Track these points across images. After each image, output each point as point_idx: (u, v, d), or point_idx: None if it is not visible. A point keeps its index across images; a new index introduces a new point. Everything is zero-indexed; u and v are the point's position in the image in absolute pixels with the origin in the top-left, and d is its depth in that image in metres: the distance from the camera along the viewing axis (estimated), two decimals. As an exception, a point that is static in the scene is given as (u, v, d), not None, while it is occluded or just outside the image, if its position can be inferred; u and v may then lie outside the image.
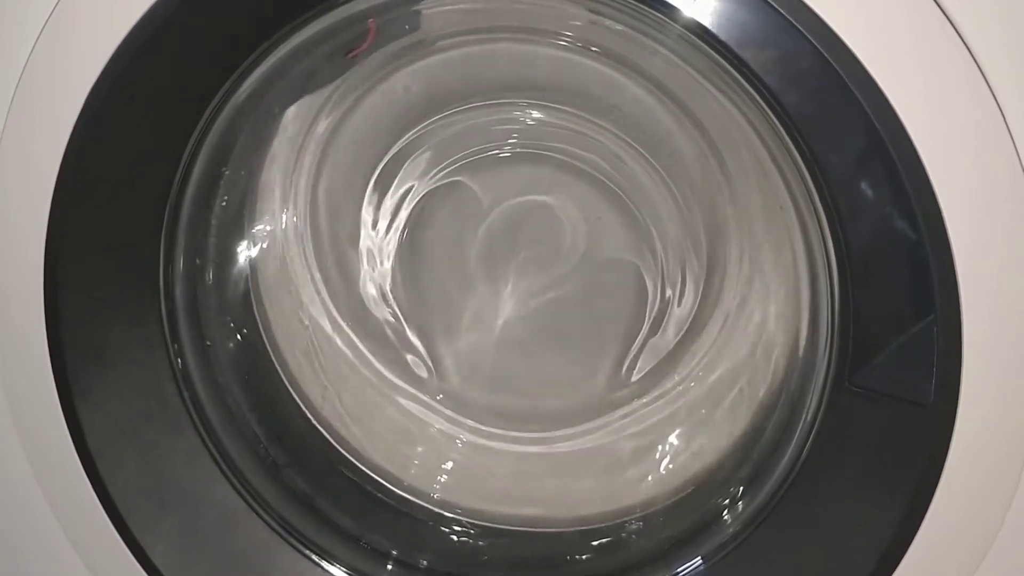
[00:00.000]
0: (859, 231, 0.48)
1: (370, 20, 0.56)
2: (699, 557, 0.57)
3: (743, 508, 0.58)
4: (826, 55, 0.45)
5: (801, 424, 0.54)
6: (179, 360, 0.60)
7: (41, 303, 0.54)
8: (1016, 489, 0.48)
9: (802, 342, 0.57)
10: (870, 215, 0.48)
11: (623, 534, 0.65)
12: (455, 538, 0.68)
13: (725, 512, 0.59)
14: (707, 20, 0.46)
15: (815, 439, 0.53)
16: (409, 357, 0.73)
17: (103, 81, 0.50)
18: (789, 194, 0.53)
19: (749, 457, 0.60)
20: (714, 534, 0.58)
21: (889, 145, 0.46)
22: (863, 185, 0.48)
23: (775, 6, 0.46)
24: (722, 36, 0.47)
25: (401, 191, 0.71)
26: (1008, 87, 0.45)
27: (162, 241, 0.57)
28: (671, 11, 0.47)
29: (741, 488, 0.59)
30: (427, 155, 0.70)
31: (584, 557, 0.65)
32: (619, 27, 0.53)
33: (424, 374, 0.73)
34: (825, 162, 0.48)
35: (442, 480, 0.70)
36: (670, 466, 0.67)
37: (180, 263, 0.59)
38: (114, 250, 0.56)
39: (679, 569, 0.58)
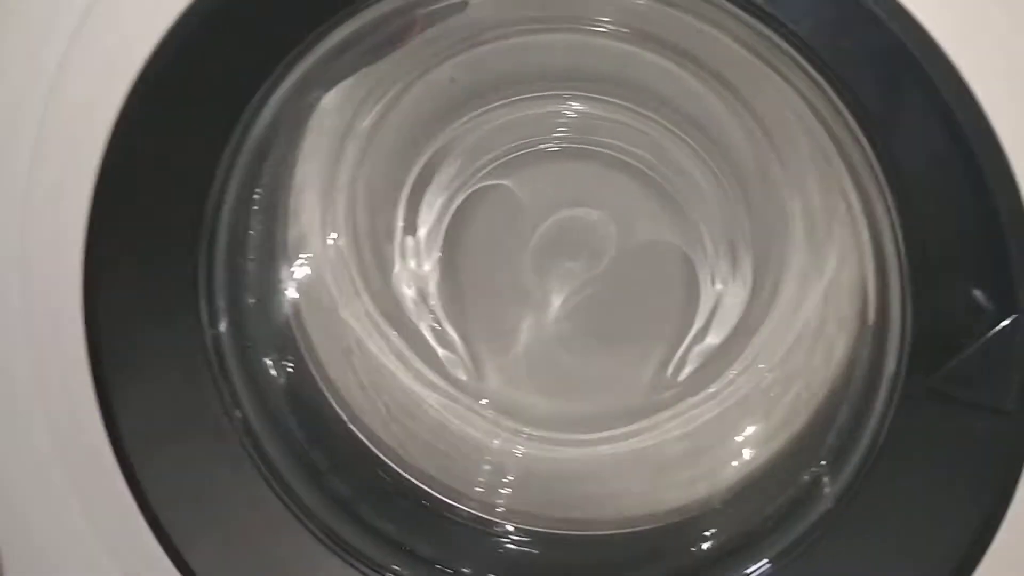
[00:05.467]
0: (935, 229, 0.46)
1: (416, 11, 0.55)
2: (766, 560, 0.55)
3: (808, 512, 0.55)
4: (908, 45, 0.43)
5: (869, 429, 0.52)
6: (220, 366, 0.58)
7: (80, 302, 0.53)
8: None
9: (868, 343, 0.55)
10: (948, 213, 0.46)
11: (677, 538, 0.63)
12: (501, 543, 0.66)
13: (793, 514, 0.56)
14: (777, 9, 0.44)
15: (884, 445, 0.51)
16: (449, 359, 0.71)
17: (140, 83, 0.49)
18: (856, 187, 0.51)
19: (810, 462, 0.58)
20: (776, 538, 0.56)
21: (971, 139, 0.44)
22: (941, 180, 0.45)
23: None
24: (782, 17, 0.45)
25: (442, 188, 0.69)
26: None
27: (203, 241, 0.55)
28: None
29: (804, 493, 0.57)
30: (468, 151, 0.68)
31: (637, 563, 0.64)
32: (682, 15, 0.51)
33: (464, 377, 0.71)
34: (899, 157, 0.46)
35: (485, 484, 0.68)
36: (724, 469, 0.65)
37: (221, 266, 0.58)
38: (153, 254, 0.55)
39: (746, 571, 0.56)
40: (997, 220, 0.45)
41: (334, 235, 0.68)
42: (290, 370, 0.65)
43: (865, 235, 0.52)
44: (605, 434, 0.70)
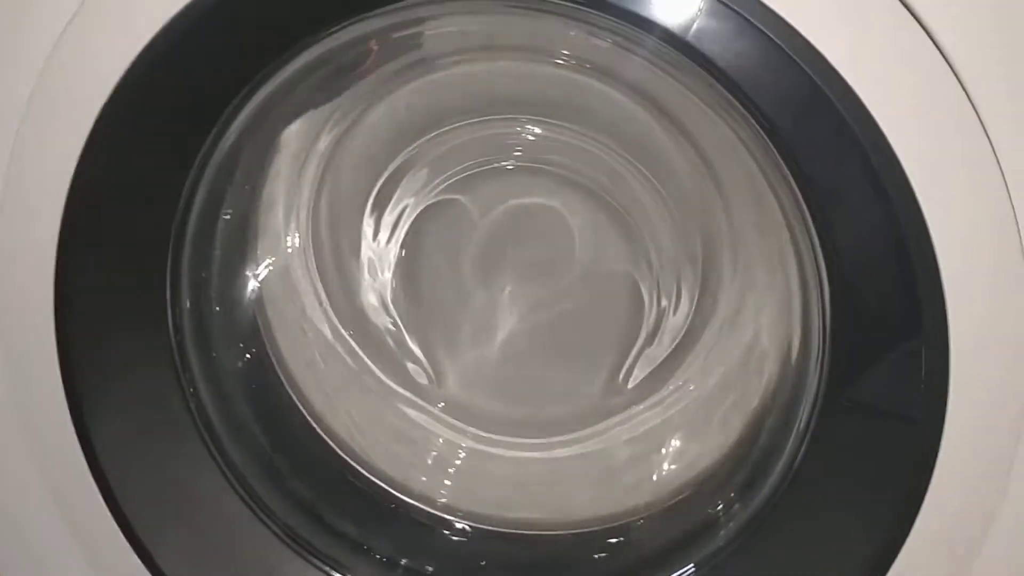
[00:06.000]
0: (850, 251, 0.49)
1: (371, 42, 0.58)
2: (691, 564, 0.59)
3: (736, 516, 0.59)
4: (817, 80, 0.47)
5: (794, 434, 0.56)
6: (185, 372, 0.61)
7: (51, 314, 0.55)
8: (1000, 503, 0.49)
9: (794, 355, 0.58)
10: (861, 236, 0.49)
11: (618, 539, 0.66)
12: (458, 543, 0.69)
13: (718, 519, 0.60)
14: (704, 45, 0.48)
15: (807, 450, 0.54)
16: (410, 365, 0.74)
17: (108, 110, 0.51)
18: (782, 213, 0.54)
19: (742, 465, 0.61)
20: (707, 541, 0.60)
21: (877, 167, 0.47)
22: (854, 207, 0.49)
23: (768, 33, 0.47)
24: (717, 61, 0.48)
25: (402, 203, 0.72)
26: (993, 110, 0.47)
27: (169, 255, 0.58)
28: (665, 33, 0.48)
29: (734, 496, 0.60)
30: (426, 169, 0.71)
31: (581, 562, 0.67)
32: (612, 47, 0.54)
33: (425, 382, 0.74)
34: (817, 184, 0.49)
35: (445, 486, 0.72)
36: (664, 473, 0.68)
37: (186, 276, 0.60)
38: (121, 266, 0.58)
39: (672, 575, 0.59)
40: (906, 251, 0.48)
41: (298, 248, 0.71)
42: (254, 377, 0.68)
43: (791, 257, 0.56)
44: (558, 438, 0.73)
